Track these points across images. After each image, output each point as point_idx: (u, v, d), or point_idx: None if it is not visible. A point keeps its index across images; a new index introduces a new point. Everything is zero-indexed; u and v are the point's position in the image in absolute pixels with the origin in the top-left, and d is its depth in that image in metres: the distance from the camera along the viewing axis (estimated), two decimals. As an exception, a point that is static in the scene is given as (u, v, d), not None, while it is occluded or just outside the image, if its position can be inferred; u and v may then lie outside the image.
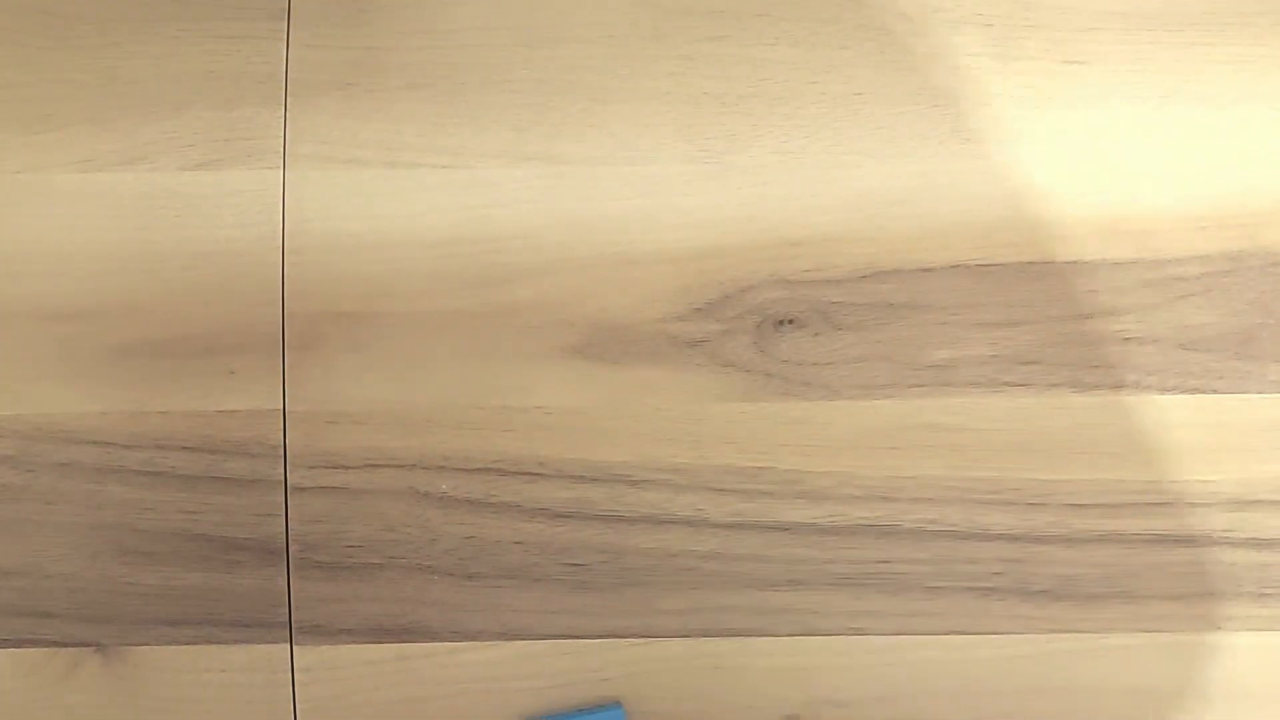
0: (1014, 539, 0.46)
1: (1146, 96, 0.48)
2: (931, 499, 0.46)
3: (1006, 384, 0.47)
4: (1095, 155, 0.48)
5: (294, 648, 0.46)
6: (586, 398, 0.47)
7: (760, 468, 0.47)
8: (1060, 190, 0.47)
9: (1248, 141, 0.48)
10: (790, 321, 0.47)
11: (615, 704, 0.46)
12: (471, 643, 0.46)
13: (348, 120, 0.47)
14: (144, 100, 0.47)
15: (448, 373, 0.47)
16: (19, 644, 0.46)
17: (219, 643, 0.46)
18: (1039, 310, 0.47)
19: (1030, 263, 0.47)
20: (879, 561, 0.46)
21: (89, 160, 0.47)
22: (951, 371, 0.47)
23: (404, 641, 0.46)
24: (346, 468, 0.46)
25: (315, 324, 0.47)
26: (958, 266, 0.47)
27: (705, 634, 0.46)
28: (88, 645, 0.46)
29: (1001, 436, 0.47)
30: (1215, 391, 0.47)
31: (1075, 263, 0.47)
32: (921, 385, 0.47)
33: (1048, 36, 0.49)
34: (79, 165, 0.47)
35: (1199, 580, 0.47)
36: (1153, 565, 0.47)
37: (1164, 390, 0.47)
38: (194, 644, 0.46)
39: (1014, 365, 0.47)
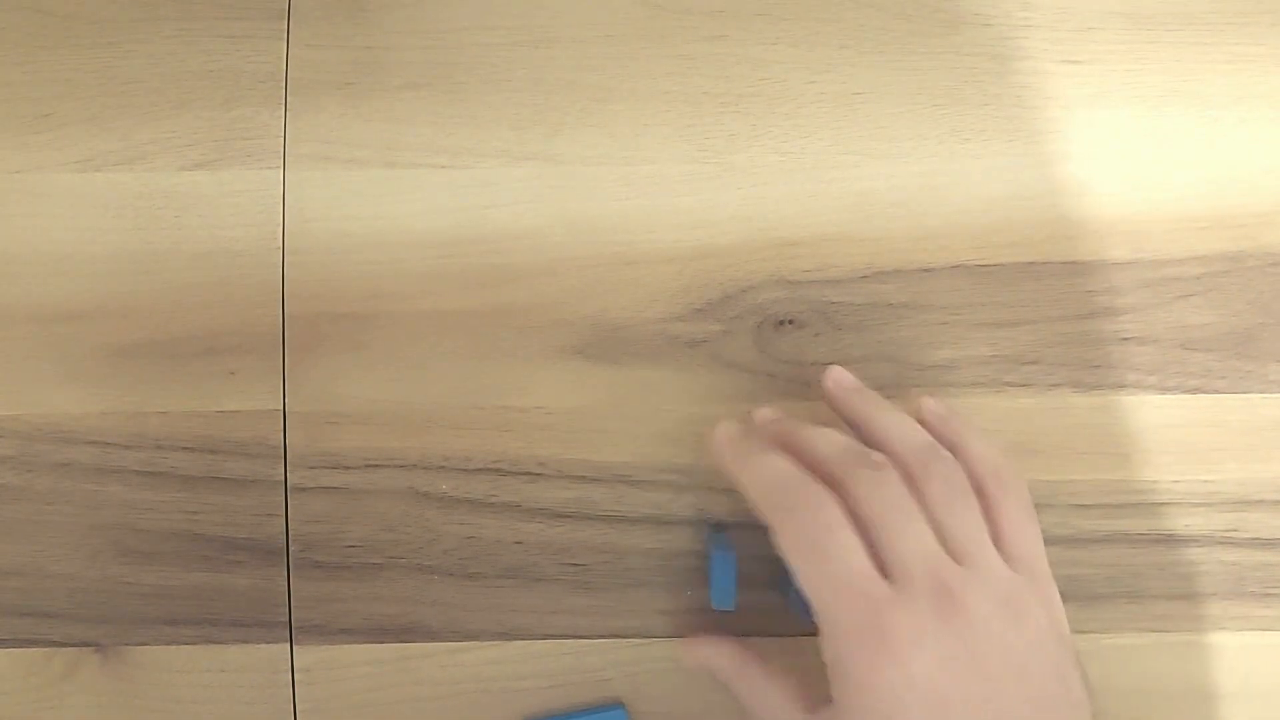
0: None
1: (1146, 96, 0.48)
2: (932, 498, 0.46)
3: (1007, 384, 0.47)
4: (1094, 155, 0.48)
5: (294, 648, 0.46)
6: (586, 398, 0.47)
7: (761, 468, 0.47)
8: (1060, 190, 0.47)
9: (1247, 141, 0.48)
10: (790, 321, 0.47)
11: (616, 704, 0.46)
12: (471, 643, 0.46)
13: (348, 120, 0.47)
14: (143, 100, 0.47)
15: (448, 373, 0.47)
16: (19, 644, 0.46)
17: (219, 643, 0.46)
18: (1039, 310, 0.47)
19: (1030, 263, 0.47)
20: (880, 561, 0.46)
21: (87, 160, 0.47)
22: (952, 372, 0.47)
23: (404, 641, 0.46)
24: (346, 468, 0.46)
25: (315, 324, 0.47)
26: (958, 266, 0.47)
27: (706, 634, 0.46)
28: (88, 645, 0.46)
29: (1003, 437, 0.47)
30: (1216, 391, 0.47)
31: (1075, 263, 0.47)
32: (922, 385, 0.47)
33: (1047, 36, 0.49)
34: (77, 165, 0.47)
35: (1202, 580, 0.47)
36: (1156, 565, 0.47)
37: (1164, 390, 0.47)
38: (194, 644, 0.46)
39: (1015, 365, 0.47)
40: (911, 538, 0.38)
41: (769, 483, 0.40)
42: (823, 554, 0.38)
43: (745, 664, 0.43)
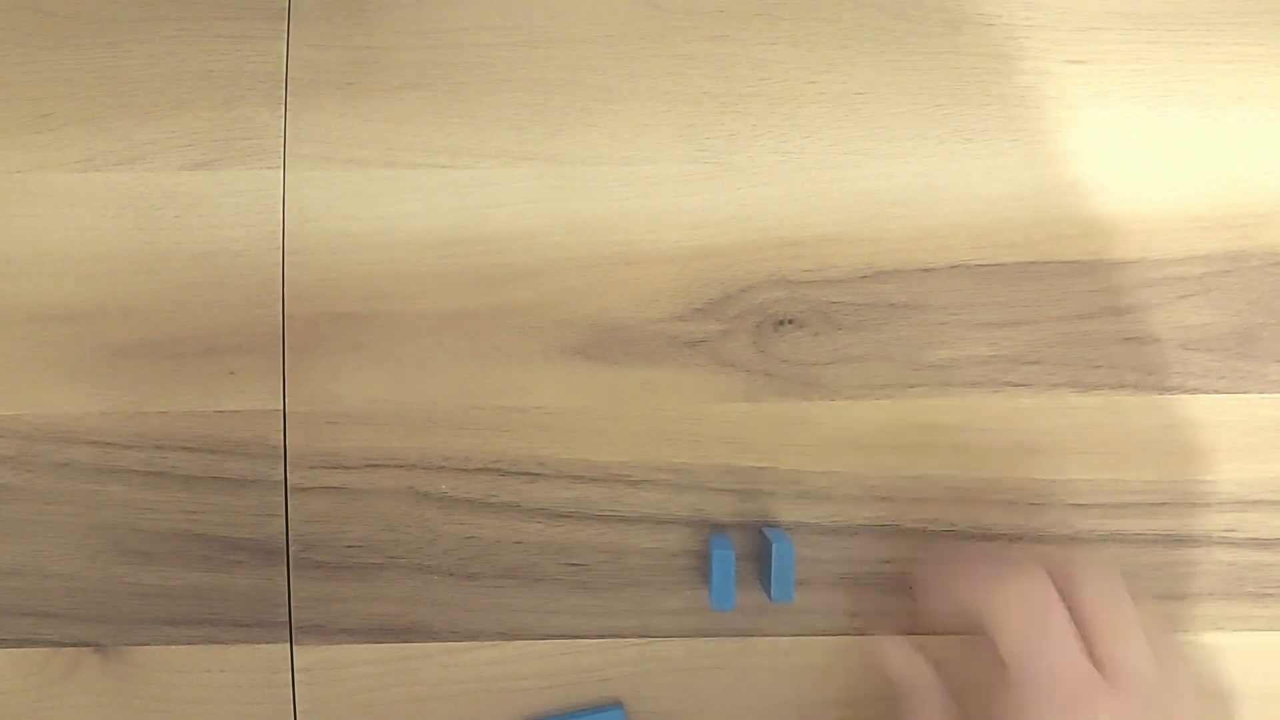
0: (1015, 539, 0.46)
1: (1146, 96, 0.48)
2: (932, 499, 0.47)
3: (1007, 384, 0.47)
4: (1095, 155, 0.48)
5: (294, 648, 0.46)
6: (586, 398, 0.47)
7: (760, 468, 0.47)
8: (1060, 190, 0.47)
9: (1248, 141, 0.48)
10: (790, 321, 0.47)
11: (615, 704, 0.46)
12: (471, 643, 0.46)
13: (348, 120, 0.47)
14: (142, 100, 0.47)
15: (448, 373, 0.47)
16: (19, 644, 0.46)
17: (219, 643, 0.46)
18: (1039, 310, 0.47)
19: (1030, 263, 0.47)
20: (880, 561, 0.46)
21: (87, 160, 0.47)
22: (952, 371, 0.47)
23: (404, 641, 0.46)
24: (346, 468, 0.46)
25: (315, 324, 0.47)
26: (958, 266, 0.47)
27: (705, 634, 0.47)
28: (87, 645, 0.46)
29: (1002, 436, 0.47)
30: (1216, 391, 0.47)
31: (1075, 263, 0.47)
32: (922, 385, 0.47)
33: (1048, 36, 0.48)
34: (77, 165, 0.47)
35: (1200, 580, 0.47)
36: (1154, 565, 0.47)
37: (1164, 390, 0.47)
38: (194, 644, 0.46)
39: (1014, 365, 0.47)
40: (1134, 644, 0.40)
41: (991, 583, 0.42)
42: (1041, 627, 0.40)
43: (927, 680, 0.44)
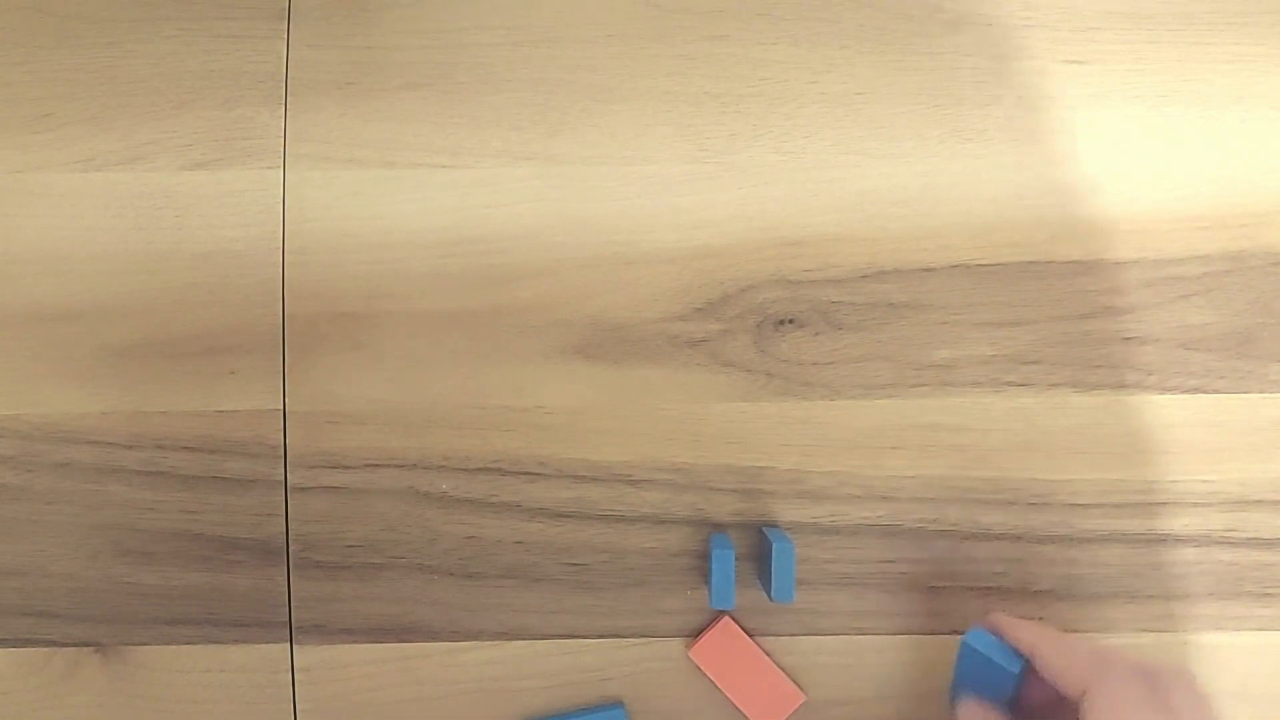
0: (1015, 539, 0.46)
1: (1146, 96, 0.48)
2: (933, 499, 0.46)
3: (1007, 384, 0.47)
4: (1095, 155, 0.48)
5: (294, 648, 0.46)
6: (586, 398, 0.47)
7: (760, 468, 0.47)
8: (1060, 190, 0.47)
9: (1247, 141, 0.48)
10: (790, 321, 0.47)
11: (616, 704, 0.46)
12: (472, 643, 0.46)
13: (348, 120, 0.47)
14: (143, 100, 0.47)
15: (448, 373, 0.47)
16: (19, 644, 0.46)
17: (219, 643, 0.46)
18: (1040, 310, 0.47)
19: (1031, 263, 0.47)
20: (880, 561, 0.46)
21: (88, 160, 0.47)
22: (952, 371, 0.47)
23: (404, 641, 0.46)
24: (346, 468, 0.46)
25: (315, 324, 0.47)
26: (958, 266, 0.47)
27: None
28: (88, 645, 0.46)
29: (1003, 436, 0.47)
30: (1216, 391, 0.47)
31: (1076, 263, 0.47)
32: (922, 385, 0.47)
33: (1048, 36, 0.49)
34: (78, 165, 0.47)
35: (1201, 580, 0.47)
36: (1154, 565, 0.47)
37: (1165, 390, 0.47)
38: (194, 644, 0.46)
39: (1015, 365, 0.47)
40: None
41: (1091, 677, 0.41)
42: None
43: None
